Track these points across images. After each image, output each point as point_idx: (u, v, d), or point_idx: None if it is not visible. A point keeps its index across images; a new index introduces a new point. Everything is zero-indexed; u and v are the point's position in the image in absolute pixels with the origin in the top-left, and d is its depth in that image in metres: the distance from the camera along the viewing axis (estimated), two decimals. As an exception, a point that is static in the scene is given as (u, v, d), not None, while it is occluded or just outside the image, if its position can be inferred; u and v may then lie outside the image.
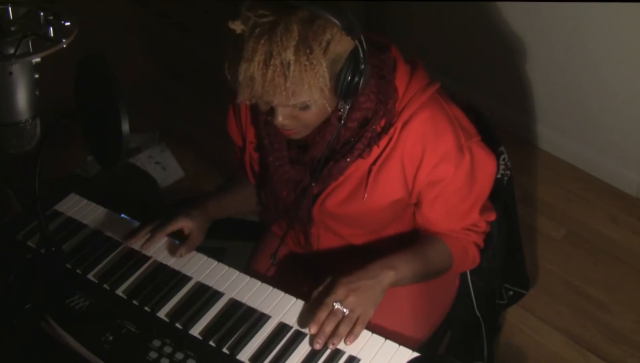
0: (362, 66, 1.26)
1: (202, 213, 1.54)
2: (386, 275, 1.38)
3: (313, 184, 1.44)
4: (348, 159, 1.39)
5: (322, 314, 1.32)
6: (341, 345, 1.31)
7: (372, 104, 1.36)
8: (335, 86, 1.27)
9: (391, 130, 1.37)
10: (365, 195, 1.42)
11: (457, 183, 1.41)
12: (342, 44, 1.24)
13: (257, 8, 1.20)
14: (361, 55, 1.26)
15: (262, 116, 1.45)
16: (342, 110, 1.34)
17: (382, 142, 1.38)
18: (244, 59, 1.20)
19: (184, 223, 1.50)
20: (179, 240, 1.51)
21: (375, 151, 1.39)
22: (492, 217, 1.53)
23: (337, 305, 1.32)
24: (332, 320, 1.31)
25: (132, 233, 1.52)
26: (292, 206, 1.49)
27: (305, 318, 1.36)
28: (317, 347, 1.30)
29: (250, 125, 1.53)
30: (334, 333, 1.30)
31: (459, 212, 1.45)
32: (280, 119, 1.29)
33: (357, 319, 1.33)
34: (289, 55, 1.19)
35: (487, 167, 1.45)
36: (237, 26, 1.21)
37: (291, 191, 1.48)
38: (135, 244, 1.50)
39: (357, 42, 1.25)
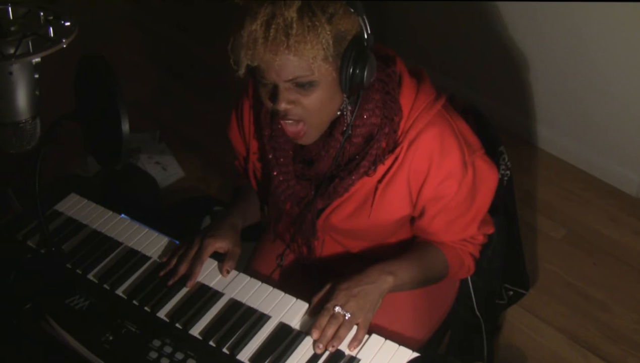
0: (367, 47, 1.26)
1: (230, 228, 1.51)
2: (385, 281, 1.38)
3: (318, 200, 1.44)
4: (353, 177, 1.39)
5: (323, 319, 1.32)
6: (343, 348, 1.32)
7: (377, 119, 1.35)
8: (339, 74, 1.26)
9: (397, 149, 1.37)
10: (371, 212, 1.42)
11: (459, 199, 1.41)
12: (346, 21, 1.24)
13: None
14: (365, 36, 1.26)
15: (267, 130, 1.45)
16: (347, 116, 1.34)
17: (389, 160, 1.37)
18: (248, 20, 1.21)
19: (216, 245, 1.47)
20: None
21: (381, 169, 1.38)
22: (490, 230, 1.53)
23: (337, 309, 1.33)
24: (334, 324, 1.32)
25: (168, 265, 1.47)
26: (296, 218, 1.49)
27: (306, 319, 1.36)
28: (318, 351, 1.31)
29: (254, 137, 1.52)
30: (334, 336, 1.31)
31: (458, 226, 1.45)
32: (283, 104, 1.27)
33: (358, 324, 1.33)
34: (292, 13, 1.19)
35: (488, 182, 1.45)
36: None
37: (295, 205, 1.47)
38: (175, 279, 1.45)
39: (361, 20, 1.25)
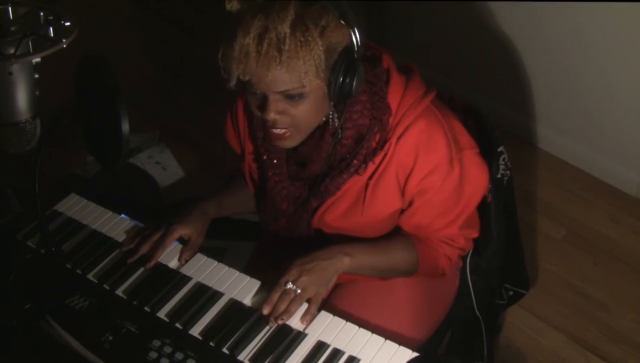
0: (356, 60, 1.26)
1: (201, 215, 1.53)
2: (340, 260, 1.40)
3: (312, 199, 1.44)
4: (344, 176, 1.40)
5: (274, 295, 1.35)
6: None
7: (366, 120, 1.36)
8: (329, 85, 1.27)
9: (386, 146, 1.37)
10: (364, 209, 1.42)
11: (443, 195, 1.40)
12: (337, 34, 1.24)
13: None
14: (355, 48, 1.26)
15: (260, 132, 1.46)
16: (335, 120, 1.35)
17: (378, 158, 1.38)
18: (240, 33, 1.21)
19: (182, 231, 1.49)
20: (178, 241, 1.51)
21: (371, 166, 1.39)
22: (474, 234, 1.52)
23: (289, 285, 1.35)
24: (285, 300, 1.34)
25: (131, 247, 1.49)
26: (292, 218, 1.50)
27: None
28: (271, 324, 1.33)
29: (249, 139, 1.52)
30: (285, 310, 1.33)
31: (440, 223, 1.45)
32: (272, 114, 1.28)
33: (310, 299, 1.35)
34: (285, 28, 1.19)
35: (476, 182, 1.44)
36: (234, 6, 1.22)
37: (291, 205, 1.48)
38: (134, 258, 1.48)
39: (351, 32, 1.25)
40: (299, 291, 1.35)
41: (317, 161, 1.40)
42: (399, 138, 1.37)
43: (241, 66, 1.23)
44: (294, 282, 1.35)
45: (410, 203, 1.43)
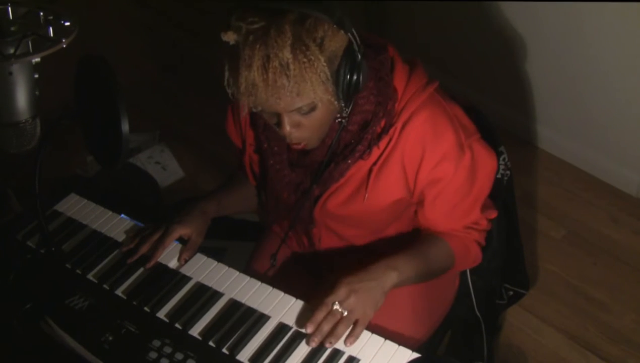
0: (359, 60, 1.26)
1: (201, 215, 1.53)
2: (389, 277, 1.37)
3: (314, 186, 1.44)
4: (349, 161, 1.40)
5: (320, 314, 1.31)
6: (341, 346, 1.31)
7: (372, 106, 1.36)
8: (336, 87, 1.27)
9: (391, 131, 1.37)
10: (366, 195, 1.42)
11: (458, 182, 1.41)
12: (335, 40, 1.24)
13: (247, 16, 1.20)
14: (356, 48, 1.26)
15: (261, 120, 1.45)
16: (343, 112, 1.35)
17: (382, 143, 1.38)
18: (243, 67, 1.20)
19: (182, 231, 1.49)
20: (178, 241, 1.51)
21: (376, 152, 1.39)
22: (493, 214, 1.53)
23: (336, 306, 1.32)
24: (330, 321, 1.31)
25: (131, 247, 1.50)
26: (293, 207, 1.49)
27: (305, 319, 1.35)
28: (312, 344, 1.30)
29: (250, 128, 1.53)
30: (331, 333, 1.30)
31: (460, 211, 1.45)
32: (287, 128, 1.29)
33: (356, 321, 1.33)
34: (287, 54, 1.18)
35: (487, 165, 1.45)
36: (230, 37, 1.21)
37: (292, 193, 1.48)
38: (134, 258, 1.48)
39: (350, 35, 1.25)
40: (345, 313, 1.31)
41: (320, 148, 1.40)
42: (404, 124, 1.37)
43: (251, 98, 1.23)
44: (341, 303, 1.32)
45: (422, 197, 1.43)
